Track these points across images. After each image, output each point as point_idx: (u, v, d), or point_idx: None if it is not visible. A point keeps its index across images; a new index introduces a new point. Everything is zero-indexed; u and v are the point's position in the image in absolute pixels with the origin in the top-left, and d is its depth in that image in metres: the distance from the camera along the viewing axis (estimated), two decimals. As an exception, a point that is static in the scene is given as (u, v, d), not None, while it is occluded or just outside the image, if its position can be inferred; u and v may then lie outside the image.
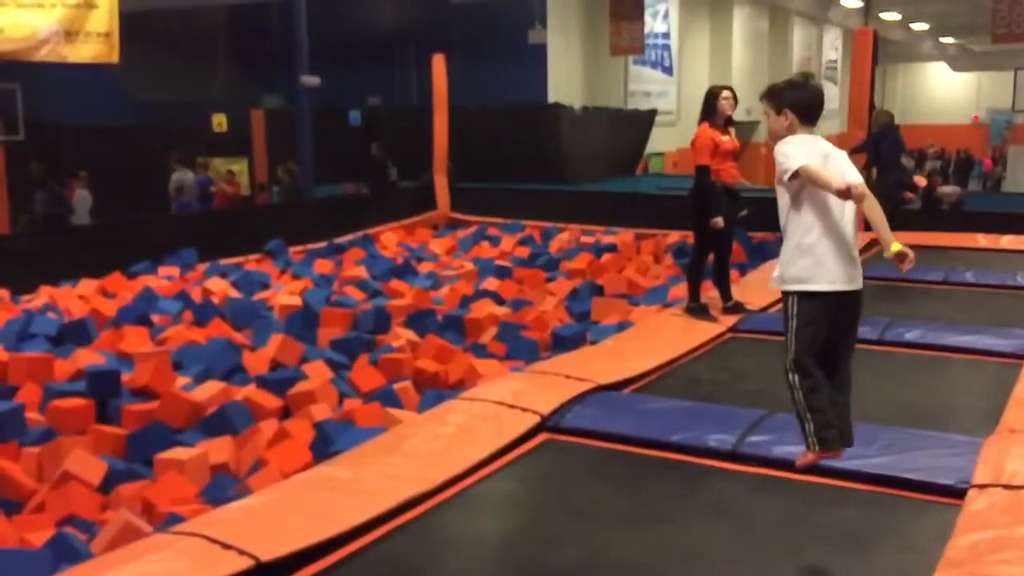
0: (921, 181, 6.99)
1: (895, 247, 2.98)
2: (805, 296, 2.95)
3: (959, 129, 34.84)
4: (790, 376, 3.00)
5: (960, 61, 33.67)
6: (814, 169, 2.92)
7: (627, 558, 3.20)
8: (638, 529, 3.42)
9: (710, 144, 6.44)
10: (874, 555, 3.17)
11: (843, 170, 3.01)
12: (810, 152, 2.97)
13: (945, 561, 2.97)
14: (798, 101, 3.00)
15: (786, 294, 2.99)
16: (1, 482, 4.44)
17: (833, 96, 31.30)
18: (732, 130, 6.72)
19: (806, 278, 2.95)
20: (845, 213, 3.01)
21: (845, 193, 2.86)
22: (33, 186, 11.62)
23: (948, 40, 32.60)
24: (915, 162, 27.56)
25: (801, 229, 2.97)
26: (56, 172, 12.36)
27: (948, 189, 13.32)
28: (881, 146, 6.85)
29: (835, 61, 31.30)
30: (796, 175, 2.94)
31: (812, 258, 2.92)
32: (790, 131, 2.99)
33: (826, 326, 2.99)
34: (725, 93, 6.58)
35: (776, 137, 3.05)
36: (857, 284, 2.99)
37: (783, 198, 3.06)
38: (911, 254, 2.99)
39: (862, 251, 7.58)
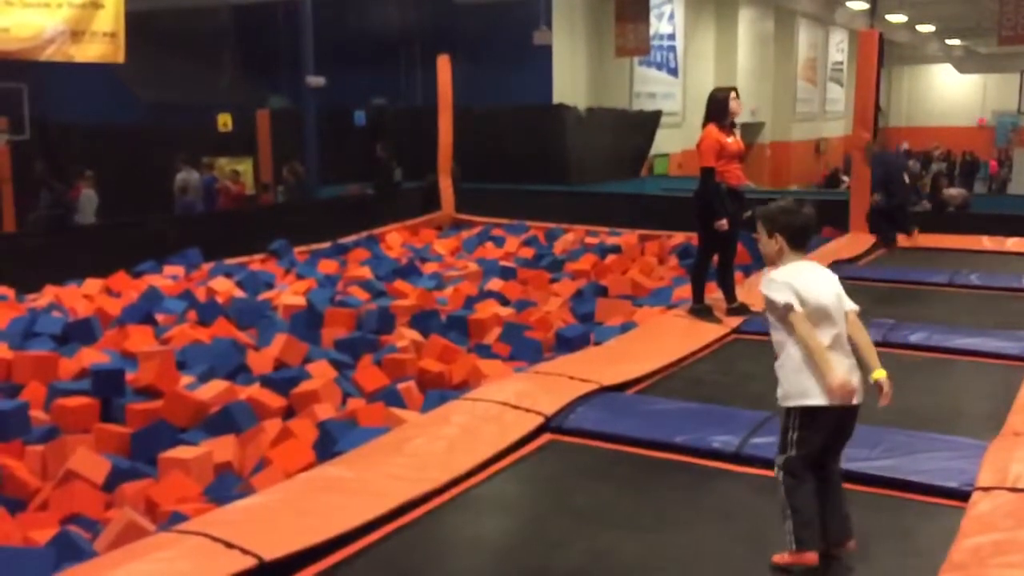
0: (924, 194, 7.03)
1: (877, 374, 3.01)
2: (807, 411, 2.94)
3: (965, 131, 34.78)
4: (778, 474, 3.00)
5: (966, 63, 33.62)
6: (809, 337, 2.94)
7: (630, 560, 3.19)
8: (641, 531, 3.42)
9: (716, 146, 6.44)
10: (877, 558, 3.16)
11: (825, 299, 2.99)
12: (801, 283, 2.96)
13: (948, 564, 2.96)
14: (789, 226, 3.02)
15: (787, 408, 2.99)
16: (5, 480, 4.45)
17: (839, 98, 31.32)
18: (737, 132, 6.71)
19: (809, 394, 2.94)
20: (842, 325, 3.00)
21: (834, 392, 2.91)
22: (38, 185, 11.66)
23: (954, 42, 32.55)
24: (920, 164, 27.56)
25: (798, 353, 2.96)
26: (62, 172, 12.40)
27: (954, 191, 13.31)
28: (894, 180, 6.90)
29: (841, 63, 31.28)
30: (789, 308, 2.95)
31: (813, 374, 2.92)
32: (780, 255, 3.00)
33: (822, 438, 2.99)
34: (734, 94, 6.58)
35: (767, 259, 3.08)
36: (858, 398, 2.98)
37: (774, 322, 3.05)
38: (888, 389, 3.01)
39: (863, 255, 7.57)
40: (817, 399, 2.92)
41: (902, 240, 9.41)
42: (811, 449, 2.98)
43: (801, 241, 3.01)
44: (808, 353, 2.94)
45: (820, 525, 3.01)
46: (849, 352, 3.00)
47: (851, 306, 3.05)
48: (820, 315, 2.96)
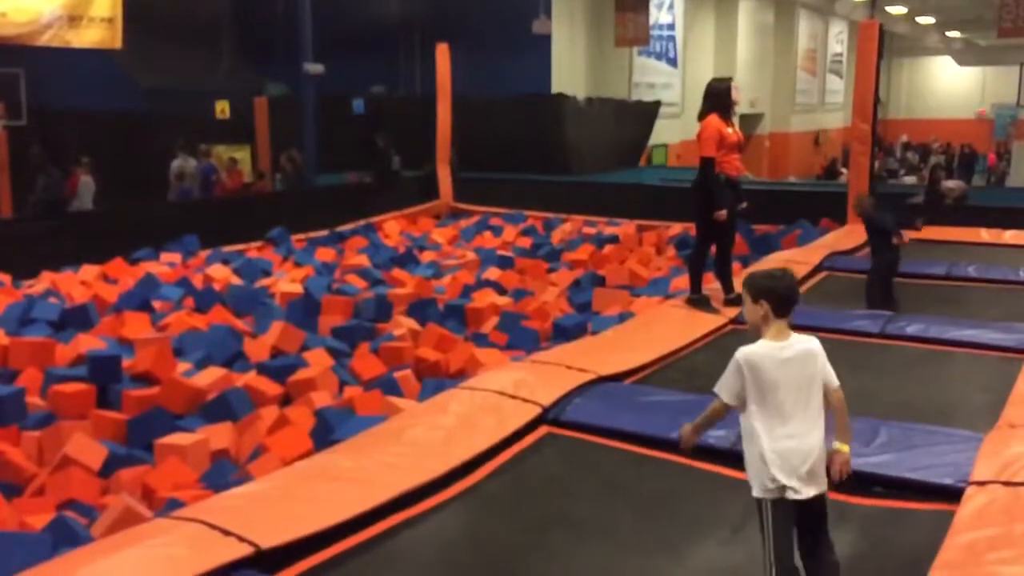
0: (904, 239, 6.96)
1: (838, 445, 3.01)
2: (775, 503, 2.93)
3: (964, 124, 34.74)
4: (768, 571, 2.93)
5: (965, 55, 33.55)
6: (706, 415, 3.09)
7: (626, 552, 3.20)
8: (638, 523, 3.42)
9: (717, 136, 6.43)
10: (872, 553, 3.17)
11: (801, 382, 2.97)
12: (754, 370, 2.95)
13: (941, 560, 2.96)
14: (772, 293, 2.99)
15: (757, 499, 2.98)
16: (1, 466, 4.45)
17: (838, 89, 31.27)
18: (736, 122, 6.70)
19: (771, 490, 2.90)
20: (798, 413, 2.96)
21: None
22: (35, 171, 11.62)
23: (954, 34, 32.49)
24: (919, 157, 27.53)
25: (753, 439, 2.95)
26: (58, 158, 12.35)
27: (952, 184, 13.29)
28: (882, 236, 6.88)
29: (840, 54, 31.22)
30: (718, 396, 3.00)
31: (775, 468, 2.90)
32: (765, 321, 2.99)
33: (793, 522, 2.97)
34: (735, 84, 6.58)
35: (752, 326, 3.06)
36: (822, 487, 2.95)
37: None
38: (841, 464, 2.99)
39: (861, 247, 7.55)
40: (774, 493, 2.87)
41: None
42: (791, 541, 2.93)
43: (785, 309, 2.99)
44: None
45: None
46: (812, 427, 2.94)
47: (833, 383, 3.01)
48: (772, 397, 2.92)
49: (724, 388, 2.99)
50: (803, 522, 2.97)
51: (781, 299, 2.98)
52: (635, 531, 3.49)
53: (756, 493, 2.93)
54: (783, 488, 2.87)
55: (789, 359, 2.94)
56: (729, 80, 6.70)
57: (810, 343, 3.00)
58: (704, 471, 3.93)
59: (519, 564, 3.25)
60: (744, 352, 2.99)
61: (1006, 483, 3.43)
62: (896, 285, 6.98)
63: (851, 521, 3.44)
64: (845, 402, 3.05)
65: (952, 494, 3.50)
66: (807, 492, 2.89)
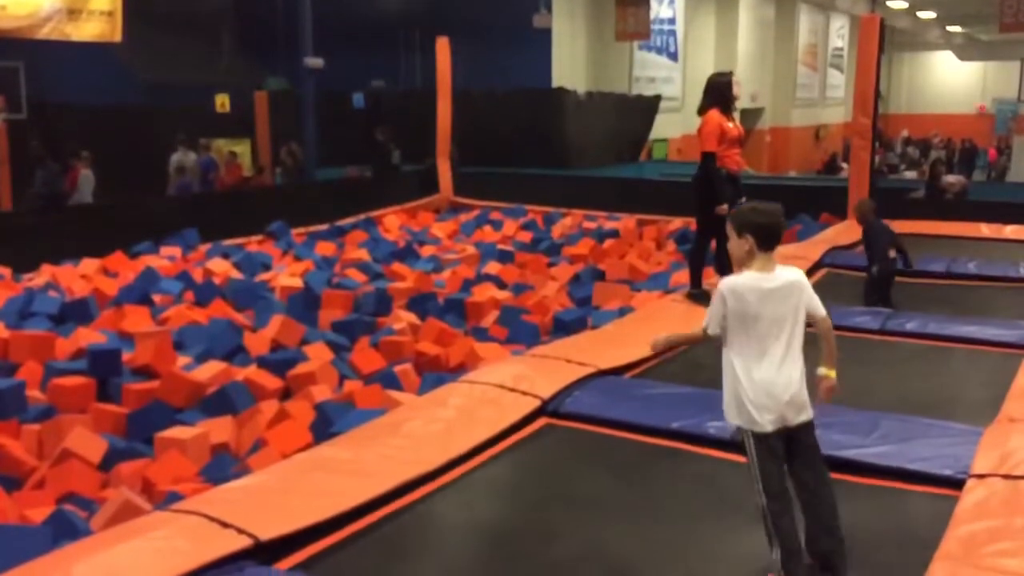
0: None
1: (824, 371, 3.10)
2: (757, 436, 2.96)
3: (964, 119, 34.71)
4: (761, 500, 2.99)
5: (966, 50, 33.51)
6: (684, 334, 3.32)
7: (625, 544, 3.20)
8: (637, 515, 3.43)
9: (718, 130, 6.42)
10: (871, 544, 3.17)
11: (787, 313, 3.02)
12: (739, 299, 3.00)
13: (942, 551, 2.97)
14: (758, 227, 3.03)
15: (739, 430, 3.01)
16: (1, 459, 4.45)
17: (839, 84, 31.24)
18: (736, 117, 6.69)
19: (750, 422, 2.96)
20: (791, 334, 2.99)
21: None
22: (35, 165, 11.62)
23: (955, 29, 32.44)
24: (920, 152, 27.51)
25: (732, 373, 2.99)
26: (58, 151, 12.35)
27: (952, 179, 13.27)
28: (875, 246, 6.90)
29: (841, 49, 31.19)
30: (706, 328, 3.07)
31: (751, 404, 2.94)
32: (750, 256, 3.02)
33: (780, 451, 3.00)
34: (736, 79, 6.57)
35: (736, 260, 3.09)
36: (802, 418, 2.98)
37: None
38: (827, 387, 3.10)
39: (861, 242, 7.54)
40: (758, 428, 2.93)
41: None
42: (778, 470, 2.99)
43: (770, 242, 3.02)
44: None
45: (813, 544, 3.01)
46: (792, 360, 2.99)
47: (819, 312, 3.06)
48: (753, 329, 2.97)
49: (709, 320, 3.06)
50: (792, 453, 3.02)
51: (766, 232, 3.02)
52: (633, 509, 3.51)
53: (736, 423, 2.97)
54: (763, 423, 2.93)
55: (773, 291, 3.00)
56: (730, 74, 6.69)
57: (795, 275, 3.06)
58: (705, 456, 3.94)
59: (518, 543, 3.26)
60: (729, 281, 3.04)
61: (1006, 476, 3.43)
62: (895, 285, 6.98)
63: (852, 502, 3.45)
64: (832, 331, 3.10)
65: (952, 485, 3.50)
66: (790, 421, 2.94)
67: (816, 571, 2.99)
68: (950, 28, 32.43)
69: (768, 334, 2.95)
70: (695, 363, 5.31)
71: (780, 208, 3.10)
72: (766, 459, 2.97)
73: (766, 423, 2.91)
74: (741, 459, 3.72)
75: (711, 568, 3.12)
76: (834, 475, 3.65)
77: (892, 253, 6.91)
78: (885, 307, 6.73)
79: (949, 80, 37.27)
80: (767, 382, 2.92)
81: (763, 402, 2.91)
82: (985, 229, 9.97)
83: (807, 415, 2.99)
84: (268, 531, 3.02)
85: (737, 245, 3.06)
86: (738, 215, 3.11)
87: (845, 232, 9.37)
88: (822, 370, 3.10)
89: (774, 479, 2.97)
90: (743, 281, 3.00)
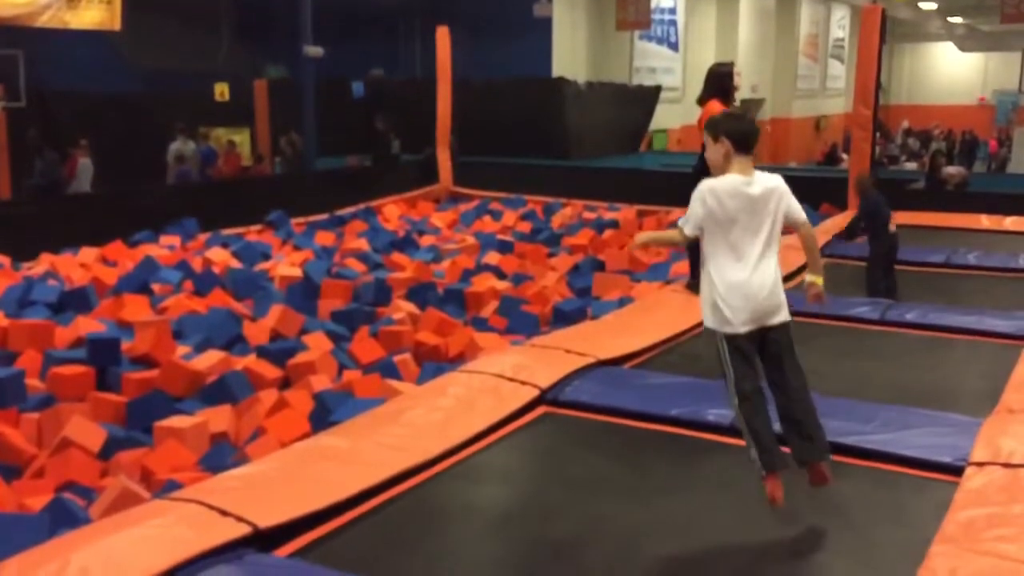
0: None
1: (811, 278, 3.21)
2: (729, 337, 3.01)
3: (965, 110, 34.64)
4: (734, 402, 3.08)
5: (968, 41, 33.40)
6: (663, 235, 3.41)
7: (625, 531, 3.21)
8: (636, 502, 3.43)
9: (717, 121, 6.39)
10: (871, 530, 3.18)
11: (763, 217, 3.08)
12: (717, 202, 3.05)
13: (942, 536, 2.98)
14: (734, 130, 3.10)
15: (712, 331, 3.08)
16: (1, 447, 4.45)
17: (839, 75, 31.16)
18: (736, 108, 6.67)
19: (723, 323, 3.04)
20: (755, 249, 3.04)
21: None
22: (34, 153, 11.61)
23: (956, 20, 32.34)
24: (920, 143, 27.45)
25: (709, 275, 3.05)
26: (57, 140, 12.33)
27: (952, 170, 13.25)
28: (876, 219, 6.88)
29: (842, 39, 31.09)
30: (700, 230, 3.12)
31: (725, 304, 3.00)
32: (726, 159, 3.07)
33: (753, 352, 3.09)
34: (737, 69, 6.55)
35: (713, 164, 3.13)
36: (776, 319, 3.04)
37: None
38: (816, 292, 3.25)
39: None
40: (730, 328, 3.03)
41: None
42: (749, 369, 3.07)
43: (747, 145, 3.13)
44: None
45: (791, 448, 3.13)
46: (768, 263, 3.08)
47: (799, 217, 3.16)
48: (731, 230, 3.06)
49: (687, 220, 3.11)
50: (767, 355, 3.10)
51: (741, 135, 3.11)
52: (632, 490, 3.52)
53: (711, 326, 3.04)
54: (736, 325, 3.02)
55: (752, 194, 3.06)
56: (730, 65, 6.66)
57: (775, 180, 3.15)
58: (704, 440, 3.95)
59: (517, 526, 3.27)
60: (709, 182, 3.11)
61: (1005, 465, 3.44)
62: (896, 271, 6.98)
63: (851, 483, 3.46)
64: (815, 237, 3.19)
65: (952, 472, 3.51)
66: (764, 323, 3.04)
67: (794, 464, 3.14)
68: (951, 19, 32.32)
69: (744, 237, 3.04)
70: (693, 354, 5.31)
71: (754, 115, 3.21)
72: (738, 361, 3.04)
73: (739, 324, 3.00)
74: (741, 443, 3.74)
75: (712, 546, 3.12)
76: (833, 458, 3.69)
77: (893, 227, 6.90)
78: (889, 288, 6.72)
79: (950, 71, 37.17)
80: (742, 284, 3.02)
81: (737, 304, 3.01)
82: (985, 220, 9.96)
83: (783, 317, 3.09)
84: (267, 519, 3.02)
85: (714, 150, 3.14)
86: (711, 122, 3.19)
87: (845, 223, 9.35)
88: (808, 277, 3.21)
89: (746, 380, 3.05)
90: (723, 183, 3.07)
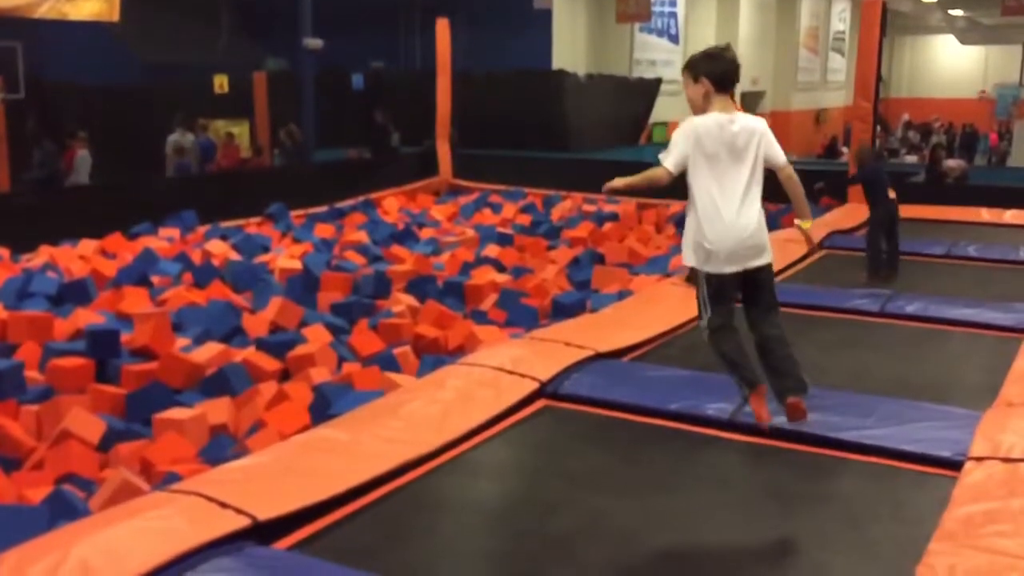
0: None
1: (803, 223, 3.28)
2: (709, 276, 3.11)
3: (965, 103, 34.59)
4: (704, 335, 3.22)
5: (968, 34, 33.34)
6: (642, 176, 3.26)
7: (623, 524, 3.21)
8: (635, 496, 3.43)
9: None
10: (869, 525, 3.18)
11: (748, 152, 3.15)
12: (699, 140, 3.11)
13: (940, 532, 2.97)
14: (713, 69, 3.15)
15: (694, 270, 3.21)
16: (0, 439, 4.45)
17: (840, 68, 31.10)
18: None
19: (704, 262, 3.13)
20: (738, 189, 3.11)
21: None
22: (33, 145, 11.59)
23: (957, 12, 32.27)
24: (920, 136, 27.41)
25: (693, 215, 3.16)
26: (56, 131, 12.30)
27: (953, 163, 13.25)
28: (875, 186, 6.93)
29: (843, 32, 31.03)
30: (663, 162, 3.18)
31: (708, 244, 3.08)
32: (706, 99, 3.13)
33: (733, 293, 3.21)
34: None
35: (694, 105, 3.19)
36: (759, 262, 3.12)
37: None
38: (807, 237, 3.33)
39: (861, 226, 7.51)
40: (708, 268, 3.13)
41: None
42: (722, 306, 3.18)
43: (726, 84, 3.18)
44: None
45: (770, 380, 3.24)
46: (751, 204, 3.14)
47: (780, 160, 3.21)
48: (714, 169, 3.11)
49: (668, 154, 3.15)
50: (747, 292, 3.24)
51: (721, 74, 3.17)
52: (632, 484, 3.52)
53: (693, 265, 3.15)
54: (717, 265, 3.11)
55: (733, 133, 3.12)
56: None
57: (756, 121, 3.23)
58: (703, 435, 3.95)
59: (516, 518, 3.28)
60: (691, 121, 3.16)
61: (1004, 459, 3.44)
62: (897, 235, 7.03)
63: (850, 479, 3.46)
64: (796, 180, 3.24)
65: (951, 467, 3.51)
66: (747, 265, 3.10)
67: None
68: (952, 12, 32.25)
69: (726, 177, 3.11)
70: (693, 347, 5.31)
71: (732, 50, 3.24)
72: (716, 301, 3.15)
73: (722, 265, 3.08)
74: (742, 438, 3.73)
75: (710, 540, 3.13)
76: (832, 453, 3.69)
77: (892, 194, 6.93)
78: (891, 249, 6.72)
79: (950, 64, 37.11)
80: (725, 225, 3.09)
81: (720, 245, 3.08)
82: (985, 214, 9.96)
83: (765, 260, 3.17)
84: (266, 511, 3.02)
85: (694, 91, 3.21)
86: (690, 63, 3.24)
87: (845, 216, 9.36)
88: (797, 222, 3.28)
89: (718, 317, 3.18)
90: (705, 121, 3.13)
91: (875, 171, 7.06)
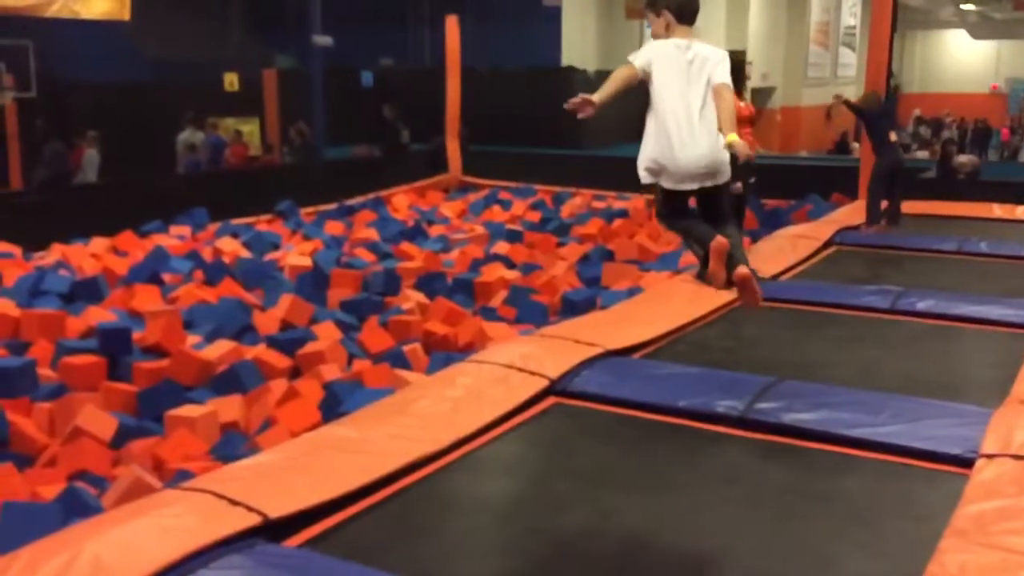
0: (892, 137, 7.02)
1: (729, 138, 3.45)
2: (665, 190, 3.42)
3: (977, 98, 34.41)
4: (659, 221, 3.65)
5: (980, 29, 33.16)
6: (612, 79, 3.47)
7: (633, 522, 3.21)
8: (645, 494, 3.43)
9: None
10: (880, 523, 3.17)
11: (702, 75, 3.44)
12: (660, 55, 3.39)
13: (952, 530, 2.96)
14: (672, 2, 3.45)
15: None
16: (13, 437, 4.49)
17: (850, 63, 30.96)
18: (747, 96, 6.64)
19: (655, 176, 3.43)
20: (693, 110, 3.33)
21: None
22: (43, 143, 11.64)
23: (969, 7, 32.10)
24: (932, 132, 27.29)
25: (650, 136, 3.40)
26: (67, 130, 12.35)
27: (964, 159, 13.18)
28: (873, 129, 6.86)
29: (853, 27, 30.87)
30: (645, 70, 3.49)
31: (657, 160, 3.35)
32: (668, 31, 3.42)
33: (685, 201, 3.51)
34: (749, 59, 6.53)
35: (656, 36, 3.50)
36: (711, 182, 3.40)
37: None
38: (741, 149, 3.46)
39: (858, 227, 7.48)
40: (661, 182, 3.34)
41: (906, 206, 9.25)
42: (673, 207, 3.60)
43: (687, 15, 3.50)
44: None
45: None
46: (705, 127, 3.43)
47: (720, 80, 3.46)
48: (670, 90, 3.38)
49: (637, 55, 3.44)
50: (702, 205, 3.60)
51: (679, 7, 3.45)
52: (642, 482, 3.51)
53: (647, 182, 3.40)
54: (671, 182, 3.43)
55: (687, 58, 3.43)
56: (742, 54, 6.64)
57: (711, 50, 3.54)
58: (713, 432, 3.95)
59: (527, 516, 3.27)
60: (654, 42, 3.49)
61: (1016, 457, 3.42)
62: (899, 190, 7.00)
63: (860, 475, 3.46)
64: (728, 100, 3.47)
65: (962, 464, 3.50)
66: (702, 183, 3.46)
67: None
68: (964, 6, 32.09)
69: (681, 100, 3.36)
70: (703, 343, 5.30)
71: None
72: (669, 205, 3.54)
73: (673, 182, 3.34)
74: (753, 435, 3.74)
75: (720, 539, 3.12)
76: (842, 450, 3.69)
77: (893, 137, 6.88)
78: (892, 206, 6.68)
79: (962, 59, 36.90)
80: (678, 145, 3.31)
81: (671, 164, 3.34)
82: (997, 209, 9.90)
83: (720, 180, 3.46)
84: (277, 509, 3.03)
85: (657, 24, 3.59)
86: (651, 1, 3.53)
87: (856, 212, 9.31)
88: (725, 140, 3.48)
89: (673, 217, 3.60)
90: (663, 43, 3.42)
91: (875, 114, 7.02)
